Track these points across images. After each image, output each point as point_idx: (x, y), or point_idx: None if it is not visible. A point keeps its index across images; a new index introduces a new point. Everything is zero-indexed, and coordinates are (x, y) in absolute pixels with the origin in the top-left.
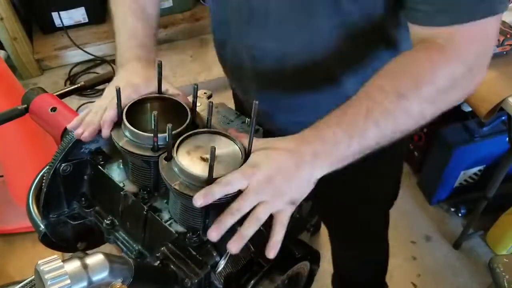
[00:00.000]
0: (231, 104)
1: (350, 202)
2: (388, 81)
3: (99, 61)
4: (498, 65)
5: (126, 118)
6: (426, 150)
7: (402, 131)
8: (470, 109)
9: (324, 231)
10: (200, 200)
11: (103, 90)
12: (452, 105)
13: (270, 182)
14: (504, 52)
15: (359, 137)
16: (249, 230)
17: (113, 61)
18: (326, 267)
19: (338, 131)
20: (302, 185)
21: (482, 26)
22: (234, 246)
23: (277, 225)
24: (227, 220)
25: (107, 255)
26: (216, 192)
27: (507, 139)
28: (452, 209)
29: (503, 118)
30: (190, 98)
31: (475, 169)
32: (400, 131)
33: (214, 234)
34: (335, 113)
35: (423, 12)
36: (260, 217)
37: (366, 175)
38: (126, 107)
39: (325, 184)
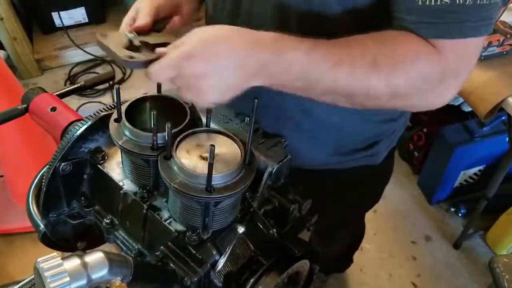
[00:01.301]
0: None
1: (337, 207)
2: (374, 45)
3: (99, 61)
4: (498, 65)
5: (126, 117)
6: (426, 150)
7: (350, 97)
8: (470, 109)
9: None
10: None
11: (103, 90)
12: (403, 107)
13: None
14: (504, 52)
15: (315, 80)
16: (157, 71)
17: (113, 61)
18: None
19: (301, 58)
20: (228, 84)
21: (468, 45)
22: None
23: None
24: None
25: (106, 253)
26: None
27: (507, 139)
28: (452, 209)
29: (503, 118)
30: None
31: (475, 169)
32: (348, 97)
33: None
34: (309, 42)
35: (410, 22)
36: (159, 77)
37: (351, 191)
38: (126, 105)
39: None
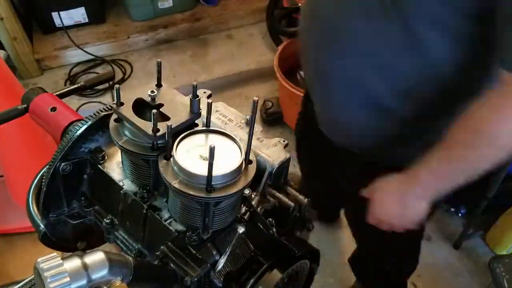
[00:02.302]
0: (230, 104)
1: None
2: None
3: (99, 61)
4: None
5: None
6: None
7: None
8: None
9: (324, 230)
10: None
11: (103, 90)
12: None
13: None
14: None
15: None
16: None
17: (113, 61)
18: (326, 266)
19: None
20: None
21: None
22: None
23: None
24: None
25: (106, 253)
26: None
27: None
28: (452, 209)
29: None
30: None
31: None
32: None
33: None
34: (446, 166)
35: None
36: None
37: None
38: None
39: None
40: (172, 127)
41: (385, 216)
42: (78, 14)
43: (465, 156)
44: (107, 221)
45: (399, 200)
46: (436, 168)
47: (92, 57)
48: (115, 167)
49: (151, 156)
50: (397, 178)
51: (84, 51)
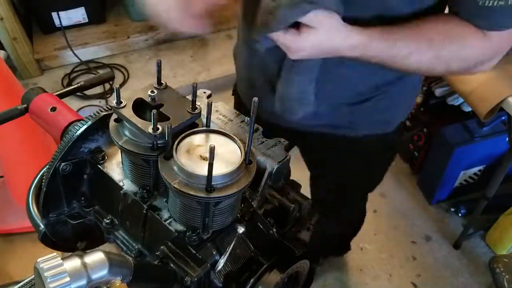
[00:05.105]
0: (231, 104)
1: (341, 181)
2: (438, 39)
3: (99, 61)
4: (498, 65)
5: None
6: (426, 150)
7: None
8: (470, 109)
9: None
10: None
11: (102, 93)
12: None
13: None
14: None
15: (388, 66)
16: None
17: (113, 63)
18: (327, 266)
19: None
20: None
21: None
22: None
23: None
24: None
25: (106, 253)
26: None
27: (507, 139)
28: (452, 209)
29: (503, 118)
30: (190, 98)
31: (475, 169)
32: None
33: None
34: (389, 42)
35: (468, 15)
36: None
37: (358, 162)
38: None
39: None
40: (172, 127)
41: (303, 43)
42: (78, 14)
43: (409, 52)
44: (107, 221)
45: (322, 41)
46: (369, 42)
47: (89, 59)
48: (115, 167)
49: (151, 156)
50: (339, 26)
51: (76, 55)
